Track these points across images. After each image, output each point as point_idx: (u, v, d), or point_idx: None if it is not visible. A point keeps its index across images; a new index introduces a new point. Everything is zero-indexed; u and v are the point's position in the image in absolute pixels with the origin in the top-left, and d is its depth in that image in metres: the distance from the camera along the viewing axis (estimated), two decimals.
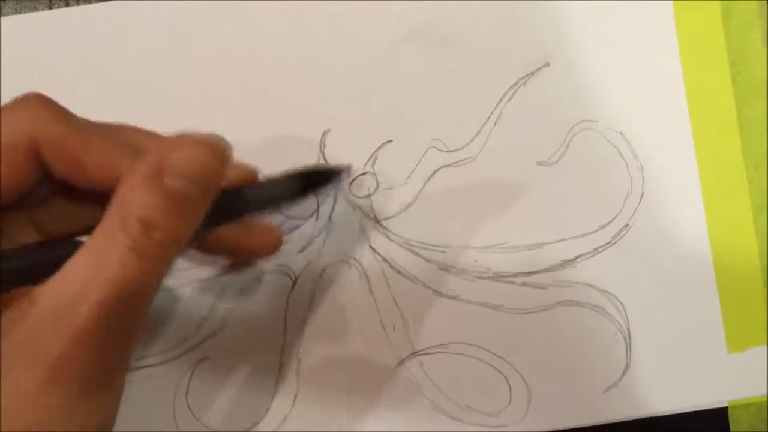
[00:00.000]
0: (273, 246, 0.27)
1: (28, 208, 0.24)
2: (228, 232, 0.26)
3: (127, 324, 0.21)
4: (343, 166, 0.28)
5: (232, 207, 0.25)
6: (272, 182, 0.27)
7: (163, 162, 0.20)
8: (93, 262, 0.20)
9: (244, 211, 0.26)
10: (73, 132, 0.22)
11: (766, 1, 0.31)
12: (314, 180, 0.27)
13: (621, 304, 0.30)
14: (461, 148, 0.30)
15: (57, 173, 0.23)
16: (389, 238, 0.30)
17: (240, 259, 0.28)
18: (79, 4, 0.31)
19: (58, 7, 0.31)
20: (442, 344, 0.30)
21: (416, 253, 0.30)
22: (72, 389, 0.20)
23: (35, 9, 0.31)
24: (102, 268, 0.20)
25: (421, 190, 0.30)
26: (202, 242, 0.26)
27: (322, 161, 0.30)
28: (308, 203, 0.30)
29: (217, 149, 0.20)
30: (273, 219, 0.30)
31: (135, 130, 0.24)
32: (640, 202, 0.30)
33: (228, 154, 0.21)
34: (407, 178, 0.30)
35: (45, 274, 0.20)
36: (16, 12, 0.31)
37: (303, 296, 0.30)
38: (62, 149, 0.22)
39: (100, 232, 0.20)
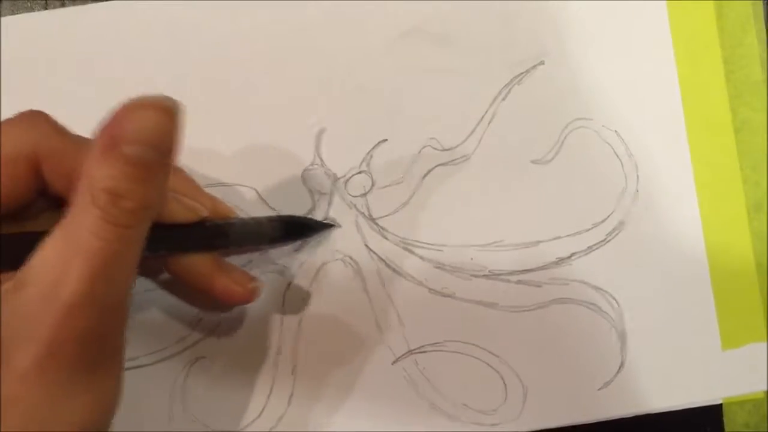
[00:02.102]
0: (243, 296, 0.27)
1: (23, 221, 0.24)
2: (203, 267, 0.26)
3: (114, 295, 0.21)
4: (330, 222, 0.29)
5: (211, 237, 0.26)
6: (256, 222, 0.28)
7: (118, 132, 0.20)
8: (69, 238, 0.21)
9: (223, 243, 0.27)
10: (72, 148, 0.23)
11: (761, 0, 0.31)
12: (299, 228, 0.29)
13: (616, 301, 0.30)
14: (456, 147, 0.30)
15: (53, 187, 0.24)
16: (385, 237, 0.30)
17: (210, 297, 0.27)
18: (75, 4, 0.31)
19: (54, 7, 0.31)
20: (438, 342, 0.30)
21: (412, 252, 0.30)
22: (71, 364, 0.21)
23: (31, 9, 0.31)
24: (79, 242, 0.20)
25: (417, 188, 0.30)
26: (176, 267, 0.26)
27: (317, 160, 0.30)
28: (303, 202, 0.30)
29: (166, 109, 0.21)
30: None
31: None
32: (634, 200, 0.30)
33: (178, 112, 0.21)
34: (402, 177, 0.30)
35: (22, 259, 0.21)
36: (13, 12, 0.31)
37: (299, 295, 0.30)
38: (60, 164, 0.23)
39: (71, 211, 0.21)
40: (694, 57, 0.31)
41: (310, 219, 0.30)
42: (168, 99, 0.21)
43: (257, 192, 0.30)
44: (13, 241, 0.22)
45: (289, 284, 0.30)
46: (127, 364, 0.29)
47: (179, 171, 0.27)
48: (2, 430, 0.20)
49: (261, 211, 0.30)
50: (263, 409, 0.29)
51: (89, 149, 0.21)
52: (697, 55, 0.31)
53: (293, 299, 0.30)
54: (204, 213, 0.26)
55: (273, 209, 0.30)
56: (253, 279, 0.27)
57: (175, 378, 0.29)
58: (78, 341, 0.21)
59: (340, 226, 0.30)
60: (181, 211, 0.25)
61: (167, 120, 0.21)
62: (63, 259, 0.20)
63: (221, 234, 0.26)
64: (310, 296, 0.30)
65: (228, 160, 0.30)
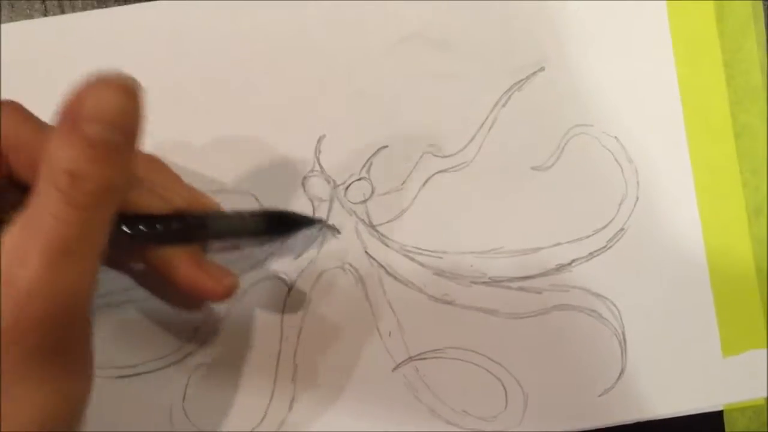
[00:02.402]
0: (218, 292, 0.26)
1: None
2: (179, 260, 0.26)
3: (76, 281, 0.21)
4: (315, 218, 0.29)
5: (188, 229, 0.26)
6: (238, 215, 0.27)
7: (77, 111, 0.20)
8: (29, 222, 0.20)
9: (200, 235, 0.26)
10: (42, 137, 0.22)
11: (761, 1, 0.31)
12: (283, 223, 0.28)
13: (616, 308, 0.30)
14: (456, 153, 0.30)
15: (23, 178, 0.23)
16: (385, 244, 0.30)
17: (187, 293, 0.26)
18: (74, 11, 0.31)
19: (54, 13, 0.31)
20: (438, 349, 0.30)
21: (412, 259, 0.30)
22: (31, 353, 0.20)
23: (31, 16, 0.31)
24: (39, 226, 0.20)
25: (417, 195, 0.30)
26: (153, 260, 0.26)
27: (317, 167, 0.30)
28: (303, 209, 0.30)
29: (127, 89, 0.20)
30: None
31: None
32: (635, 206, 0.30)
33: (139, 91, 0.20)
34: (402, 184, 0.30)
35: None
36: (11, 19, 0.31)
37: (299, 302, 0.30)
38: (29, 154, 0.22)
39: (33, 195, 0.20)
40: (694, 61, 0.31)
41: (294, 213, 0.29)
42: (128, 78, 0.20)
43: (257, 198, 0.30)
44: None
45: (290, 291, 0.30)
46: (128, 372, 0.29)
47: (156, 162, 0.27)
48: None
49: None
50: (264, 415, 0.30)
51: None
52: (697, 59, 0.31)
53: (294, 306, 0.30)
54: (179, 203, 0.25)
55: None
56: (229, 275, 0.26)
57: (176, 385, 0.29)
58: (38, 329, 0.20)
59: (339, 232, 0.30)
60: (154, 201, 0.25)
61: (128, 99, 0.20)
62: (23, 243, 0.20)
63: (200, 227, 0.26)
64: (311, 303, 0.30)
65: (227, 166, 0.30)
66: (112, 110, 0.20)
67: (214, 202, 0.27)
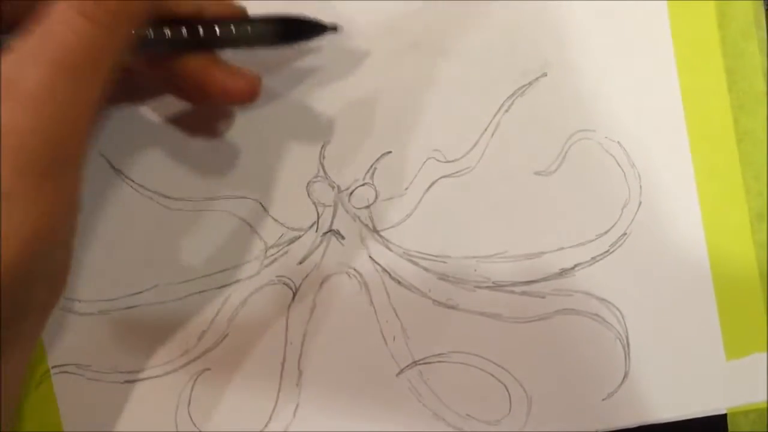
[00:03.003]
0: (246, 89, 0.26)
1: None
2: (197, 65, 0.25)
3: (81, 95, 0.20)
4: (330, 23, 0.28)
5: (202, 35, 0.25)
6: (251, 22, 0.26)
7: None
8: (43, 31, 0.20)
9: (212, 42, 0.25)
10: None
11: (764, 3, 0.31)
12: (297, 29, 0.27)
13: (619, 312, 0.30)
14: (460, 159, 0.30)
15: None
16: (389, 249, 0.30)
17: (208, 101, 0.26)
18: None
19: None
20: (442, 353, 0.30)
21: (416, 263, 0.30)
22: (30, 160, 0.20)
23: None
24: (52, 36, 0.20)
25: (420, 200, 0.30)
26: (169, 71, 0.25)
27: (321, 173, 0.30)
28: (308, 214, 0.30)
29: None
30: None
31: None
32: (637, 210, 0.30)
33: None
34: (406, 189, 0.30)
35: None
36: None
37: (303, 307, 0.30)
38: None
39: (49, 6, 0.20)
40: (696, 66, 0.31)
41: (307, 19, 0.27)
42: None
43: (261, 204, 0.30)
44: None
45: (294, 296, 0.30)
46: (133, 377, 0.29)
47: None
48: None
49: (264, 224, 0.30)
50: (269, 421, 0.30)
51: None
52: (699, 65, 0.31)
53: (298, 311, 0.30)
54: (187, 10, 0.25)
55: (277, 221, 0.30)
56: (250, 72, 0.26)
57: (180, 390, 0.30)
58: (38, 135, 0.20)
59: (343, 237, 0.30)
60: (162, 7, 0.24)
61: None
62: (34, 48, 0.20)
63: (209, 34, 0.25)
64: (315, 308, 0.30)
65: (232, 172, 0.30)
66: None
67: (237, 7, 0.26)
